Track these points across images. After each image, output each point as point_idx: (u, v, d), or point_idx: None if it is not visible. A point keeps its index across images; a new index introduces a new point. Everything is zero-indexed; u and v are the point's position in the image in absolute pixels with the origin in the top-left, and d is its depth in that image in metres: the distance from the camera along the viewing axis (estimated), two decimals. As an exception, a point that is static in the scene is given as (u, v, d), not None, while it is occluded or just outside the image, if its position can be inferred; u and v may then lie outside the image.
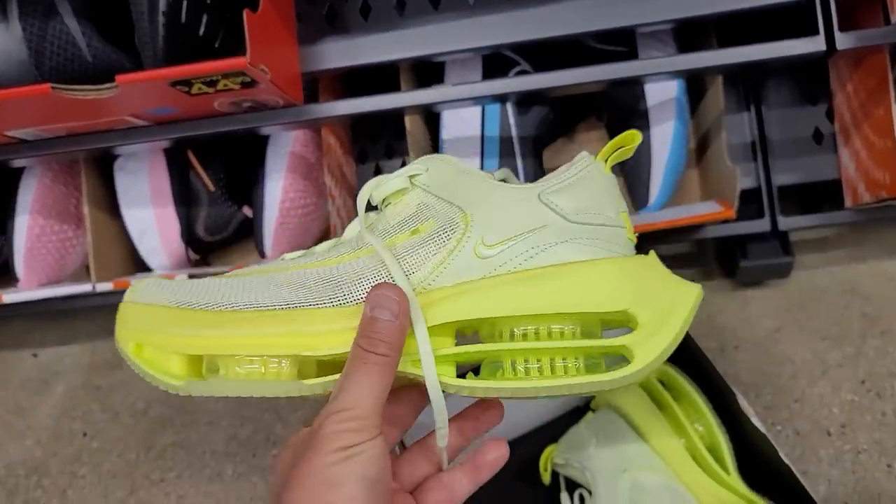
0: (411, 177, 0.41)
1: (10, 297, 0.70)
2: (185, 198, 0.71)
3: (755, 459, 0.59)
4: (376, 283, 0.37)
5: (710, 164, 0.69)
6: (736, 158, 0.69)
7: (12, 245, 0.72)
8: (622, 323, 0.39)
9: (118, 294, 0.73)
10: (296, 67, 0.58)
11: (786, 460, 0.55)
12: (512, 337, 0.39)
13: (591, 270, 0.38)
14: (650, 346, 0.37)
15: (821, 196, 0.73)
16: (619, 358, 0.38)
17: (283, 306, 0.38)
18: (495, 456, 0.40)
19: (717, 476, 0.58)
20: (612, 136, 0.74)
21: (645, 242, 0.55)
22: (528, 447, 0.69)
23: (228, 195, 0.72)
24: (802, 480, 0.55)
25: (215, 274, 0.42)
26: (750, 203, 0.71)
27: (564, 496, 0.66)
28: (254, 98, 0.55)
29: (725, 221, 0.67)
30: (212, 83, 0.50)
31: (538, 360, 0.38)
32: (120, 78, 0.48)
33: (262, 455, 0.75)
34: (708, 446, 0.60)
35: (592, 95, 0.67)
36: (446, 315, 0.37)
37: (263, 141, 0.70)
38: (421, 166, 0.41)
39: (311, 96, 0.64)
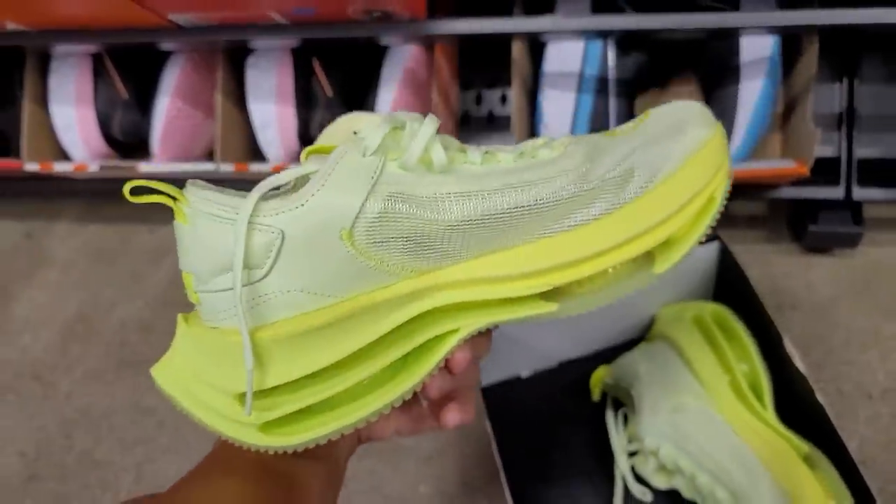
0: None
1: (146, 167, 0.80)
2: (304, 99, 0.78)
3: (793, 398, 0.63)
4: None
5: (793, 128, 0.72)
6: (820, 125, 0.72)
7: (151, 123, 0.82)
8: None
9: (236, 181, 0.83)
10: (421, -16, 0.64)
11: (821, 400, 0.59)
12: None
13: None
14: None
15: (900, 175, 0.75)
16: None
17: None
18: (454, 418, 0.39)
19: (755, 410, 0.62)
20: (703, 92, 0.78)
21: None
22: (582, 367, 0.75)
23: (343, 101, 0.79)
24: (833, 421, 0.59)
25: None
26: (828, 173, 0.74)
27: (609, 413, 0.72)
28: (383, 7, 0.62)
29: (799, 182, 0.71)
30: (351, -14, 0.57)
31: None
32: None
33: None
34: (750, 384, 0.64)
35: (689, 50, 0.71)
36: None
37: (382, 54, 0.77)
38: None
39: (431, 16, 0.70)
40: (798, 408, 0.62)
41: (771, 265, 0.81)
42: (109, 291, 0.93)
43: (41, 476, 0.77)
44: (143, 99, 0.84)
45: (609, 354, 0.74)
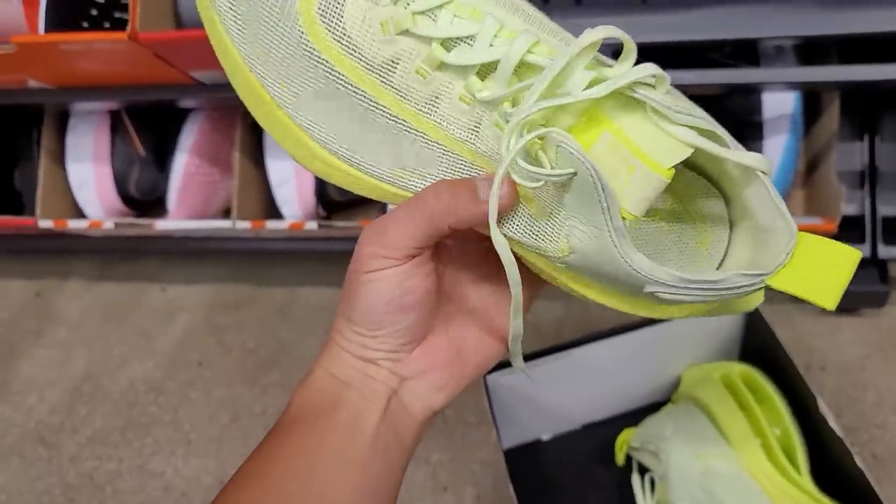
0: None
1: (162, 225, 0.79)
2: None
3: (829, 462, 0.60)
4: None
5: (817, 185, 0.72)
6: (843, 183, 0.72)
7: (168, 180, 0.82)
8: None
9: (251, 240, 0.82)
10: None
11: (860, 464, 0.57)
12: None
13: None
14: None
15: (925, 232, 0.74)
16: None
17: None
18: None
19: (789, 474, 0.60)
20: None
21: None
22: (607, 430, 0.73)
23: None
24: (874, 485, 0.56)
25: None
26: (852, 230, 0.73)
27: (636, 478, 0.70)
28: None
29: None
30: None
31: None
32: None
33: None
34: (783, 447, 0.62)
35: (709, 106, 0.71)
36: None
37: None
38: None
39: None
40: (835, 472, 0.60)
41: (797, 326, 0.79)
42: (119, 350, 0.91)
43: (43, 543, 0.74)
44: (161, 156, 0.84)
45: (634, 417, 0.72)
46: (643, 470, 0.70)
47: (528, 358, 0.66)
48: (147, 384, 0.87)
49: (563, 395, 0.70)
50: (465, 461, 0.76)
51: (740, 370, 0.67)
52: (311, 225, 0.75)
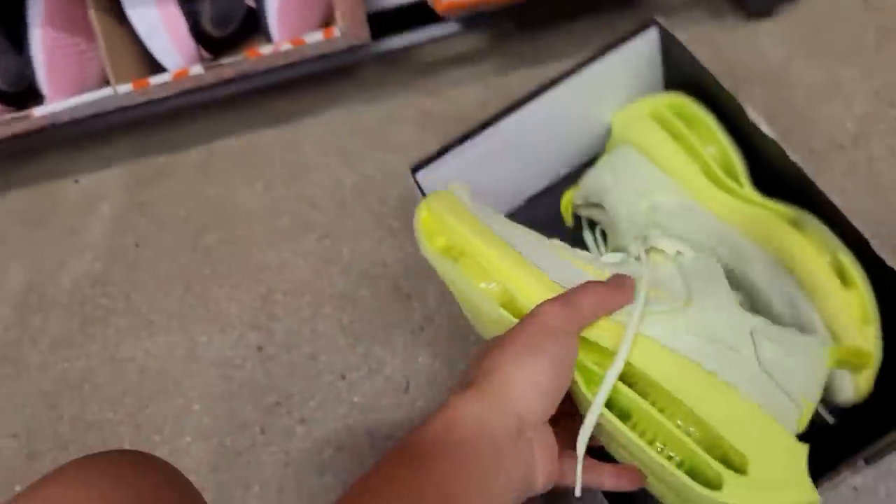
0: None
1: (40, 111, 0.73)
2: (185, -8, 0.71)
3: (768, 167, 0.60)
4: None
5: None
6: None
7: (32, 62, 0.74)
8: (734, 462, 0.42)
9: (143, 106, 0.76)
10: None
11: (794, 159, 0.57)
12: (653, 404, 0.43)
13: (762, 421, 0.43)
14: (739, 494, 0.40)
15: None
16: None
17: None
18: (627, 482, 0.43)
19: (731, 190, 0.60)
20: None
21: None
22: (552, 198, 0.72)
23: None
24: (811, 178, 0.57)
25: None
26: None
27: (587, 234, 0.70)
28: None
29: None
30: None
31: (656, 434, 0.42)
32: None
33: (301, 241, 0.80)
34: (721, 165, 0.61)
35: None
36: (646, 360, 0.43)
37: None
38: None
39: None
40: (775, 175, 0.60)
41: (716, 44, 0.77)
42: (51, 253, 0.87)
43: (40, 452, 0.74)
44: (14, 39, 0.76)
45: (575, 178, 0.71)
46: (593, 225, 0.70)
47: (456, 142, 0.64)
48: (91, 279, 0.84)
49: (501, 173, 0.69)
50: (421, 267, 0.76)
51: (666, 100, 0.65)
52: (197, 69, 0.70)
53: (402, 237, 0.77)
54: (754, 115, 0.59)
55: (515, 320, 0.43)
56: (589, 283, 0.43)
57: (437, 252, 0.49)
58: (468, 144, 0.64)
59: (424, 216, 0.50)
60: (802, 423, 0.45)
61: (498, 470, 0.35)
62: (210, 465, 0.69)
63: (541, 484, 0.39)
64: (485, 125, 0.64)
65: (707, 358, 0.44)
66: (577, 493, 0.41)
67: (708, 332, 0.44)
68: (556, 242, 0.50)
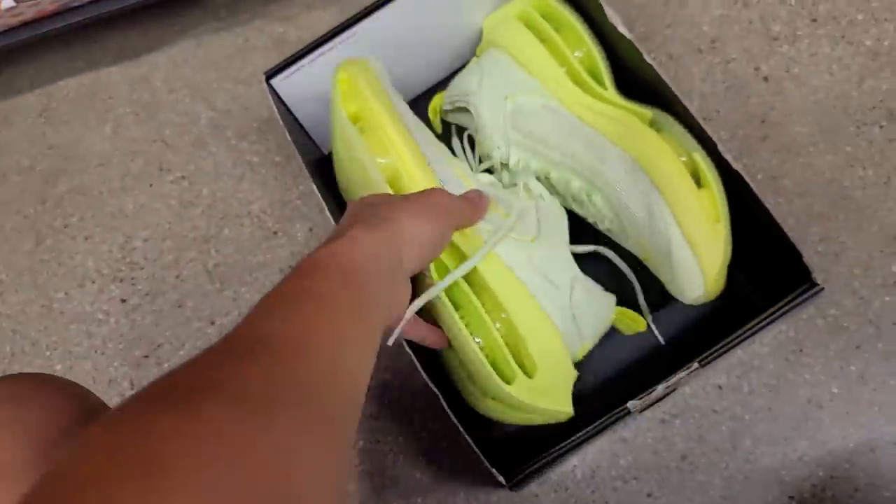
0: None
1: None
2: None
3: (628, 70, 0.60)
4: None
5: None
6: None
7: None
8: (526, 368, 0.50)
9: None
10: None
11: (648, 59, 0.56)
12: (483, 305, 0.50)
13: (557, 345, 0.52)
14: (523, 391, 0.48)
15: None
16: None
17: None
18: (438, 340, 0.52)
19: (594, 92, 0.59)
20: None
21: None
22: (421, 106, 0.70)
23: None
24: (669, 83, 0.56)
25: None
26: None
27: (455, 140, 0.68)
28: None
29: None
30: None
31: (475, 330, 0.50)
32: None
33: (158, 184, 0.75)
34: (587, 69, 0.60)
35: None
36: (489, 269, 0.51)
37: None
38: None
39: None
40: (636, 77, 0.59)
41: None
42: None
43: None
44: None
45: (446, 85, 0.68)
46: (461, 132, 0.68)
47: (314, 45, 0.60)
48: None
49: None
50: (285, 201, 0.72)
51: (535, 2, 0.63)
52: (7, 2, 0.63)
53: (264, 172, 0.74)
54: (612, 14, 0.58)
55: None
56: (474, 191, 0.51)
57: (347, 116, 0.52)
58: (327, 47, 0.61)
59: (343, 77, 0.53)
60: (578, 356, 0.54)
61: (383, 291, 0.40)
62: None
63: (391, 321, 0.45)
64: (344, 27, 0.60)
65: (534, 286, 0.51)
66: (390, 342, 0.46)
67: (542, 267, 0.52)
68: (444, 146, 0.57)
